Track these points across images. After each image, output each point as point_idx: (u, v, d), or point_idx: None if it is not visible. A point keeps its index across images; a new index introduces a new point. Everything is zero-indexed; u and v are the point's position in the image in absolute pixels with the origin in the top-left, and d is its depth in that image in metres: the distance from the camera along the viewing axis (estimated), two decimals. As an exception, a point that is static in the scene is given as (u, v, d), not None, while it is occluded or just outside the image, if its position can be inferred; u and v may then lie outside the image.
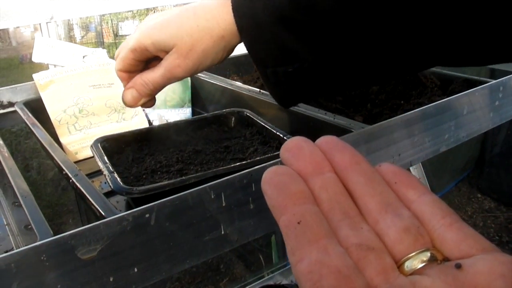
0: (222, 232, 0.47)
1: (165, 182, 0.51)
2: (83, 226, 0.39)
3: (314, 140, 0.27)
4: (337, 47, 0.46)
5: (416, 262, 0.23)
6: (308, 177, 0.25)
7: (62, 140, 0.74)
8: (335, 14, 0.44)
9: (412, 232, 0.24)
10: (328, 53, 0.46)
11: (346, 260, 0.22)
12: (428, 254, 0.23)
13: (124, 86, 0.53)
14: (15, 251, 0.36)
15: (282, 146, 0.26)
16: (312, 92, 0.50)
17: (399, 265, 0.23)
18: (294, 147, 0.26)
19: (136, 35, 0.51)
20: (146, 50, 0.50)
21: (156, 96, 0.54)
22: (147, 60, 0.52)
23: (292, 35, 0.45)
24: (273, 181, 0.24)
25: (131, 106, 0.54)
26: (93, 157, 0.59)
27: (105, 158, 0.56)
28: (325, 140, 0.27)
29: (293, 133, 0.67)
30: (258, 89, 0.81)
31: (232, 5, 0.47)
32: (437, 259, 0.23)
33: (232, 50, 0.51)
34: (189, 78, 0.86)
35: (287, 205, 0.23)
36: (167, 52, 0.50)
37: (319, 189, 0.25)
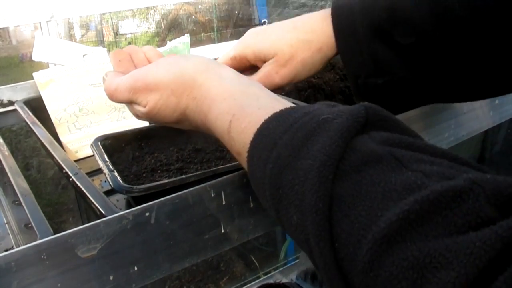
0: (222, 231, 0.47)
1: (165, 181, 0.51)
2: (83, 224, 0.39)
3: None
4: (429, 64, 0.47)
5: None
6: (132, 54, 0.53)
7: (62, 138, 0.74)
8: (430, 32, 0.45)
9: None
10: (419, 69, 0.47)
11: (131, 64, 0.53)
12: None
13: None
14: (15, 249, 0.36)
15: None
16: (399, 105, 0.52)
17: None
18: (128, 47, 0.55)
19: (237, 45, 0.55)
20: (246, 59, 0.54)
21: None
22: (242, 70, 0.55)
23: (386, 48, 0.47)
24: (113, 54, 0.53)
25: None
26: (93, 155, 0.59)
27: (105, 156, 0.56)
28: (147, 47, 0.55)
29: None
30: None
31: (332, 16, 0.50)
32: None
33: (327, 62, 0.53)
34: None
35: (116, 56, 0.52)
36: (265, 61, 0.53)
37: (134, 58, 0.53)
